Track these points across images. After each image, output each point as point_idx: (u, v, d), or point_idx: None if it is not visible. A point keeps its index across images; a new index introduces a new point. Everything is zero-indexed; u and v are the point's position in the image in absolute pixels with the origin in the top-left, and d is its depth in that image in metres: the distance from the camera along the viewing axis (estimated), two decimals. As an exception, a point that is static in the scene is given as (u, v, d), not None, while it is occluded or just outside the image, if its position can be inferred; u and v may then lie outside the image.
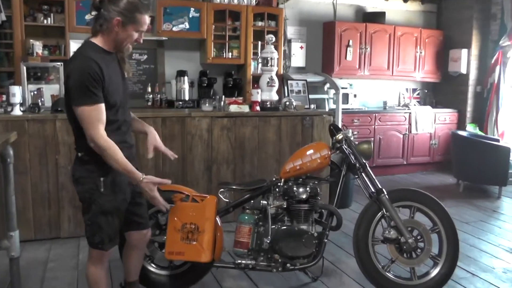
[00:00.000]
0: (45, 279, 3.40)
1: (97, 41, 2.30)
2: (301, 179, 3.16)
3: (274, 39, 5.02)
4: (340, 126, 6.05)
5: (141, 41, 2.38)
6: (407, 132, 7.15)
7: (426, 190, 5.73)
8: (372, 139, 6.84)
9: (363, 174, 3.18)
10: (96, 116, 2.19)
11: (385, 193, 3.10)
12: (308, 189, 3.09)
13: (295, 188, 3.09)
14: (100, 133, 2.20)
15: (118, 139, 2.36)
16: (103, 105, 2.21)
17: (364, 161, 3.18)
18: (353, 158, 3.19)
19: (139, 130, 2.73)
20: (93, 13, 2.30)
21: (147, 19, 2.31)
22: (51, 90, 4.84)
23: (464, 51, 7.34)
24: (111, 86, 2.27)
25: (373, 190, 3.15)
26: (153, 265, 3.15)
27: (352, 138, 3.24)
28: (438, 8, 7.90)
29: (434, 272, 3.14)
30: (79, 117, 2.19)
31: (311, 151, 3.19)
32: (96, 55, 2.22)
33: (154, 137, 2.69)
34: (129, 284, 2.86)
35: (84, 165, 2.33)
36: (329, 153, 3.17)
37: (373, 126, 6.89)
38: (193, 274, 3.14)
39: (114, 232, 2.43)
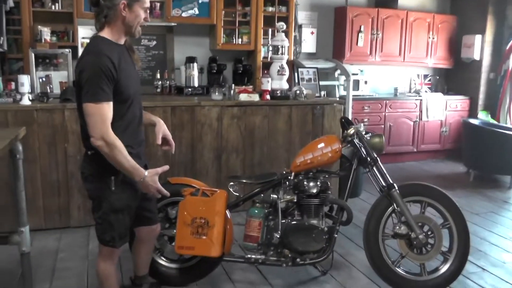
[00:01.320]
0: (56, 269, 3.42)
1: (105, 34, 2.28)
2: (311, 173, 3.14)
3: (284, 26, 4.94)
4: (350, 114, 6.05)
5: (149, 19, 2.36)
6: (417, 119, 7.07)
7: (436, 179, 5.70)
8: (383, 126, 6.78)
9: (374, 168, 3.14)
10: (107, 113, 2.18)
11: (396, 188, 3.07)
12: (318, 183, 3.07)
13: (305, 182, 3.07)
14: (110, 130, 2.17)
15: (130, 135, 2.34)
16: (112, 103, 2.19)
17: (376, 156, 3.14)
18: (365, 152, 3.15)
19: (147, 122, 2.70)
20: (93, 9, 2.28)
21: None
22: (60, 76, 4.83)
23: (478, 37, 7.20)
24: (125, 80, 2.25)
25: (384, 184, 3.12)
26: (162, 258, 3.16)
27: (363, 133, 3.18)
28: (452, -8, 7.75)
29: (444, 268, 3.13)
30: (88, 113, 2.16)
31: (322, 145, 3.16)
32: (108, 49, 2.21)
33: (163, 126, 2.70)
34: (139, 278, 2.88)
35: (94, 163, 2.30)
36: (340, 146, 3.14)
37: (384, 113, 6.81)
38: (203, 267, 3.15)
39: (124, 230, 2.43)
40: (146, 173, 2.28)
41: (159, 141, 2.65)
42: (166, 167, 2.41)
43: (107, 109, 2.17)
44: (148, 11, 2.34)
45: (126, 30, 2.30)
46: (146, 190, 2.33)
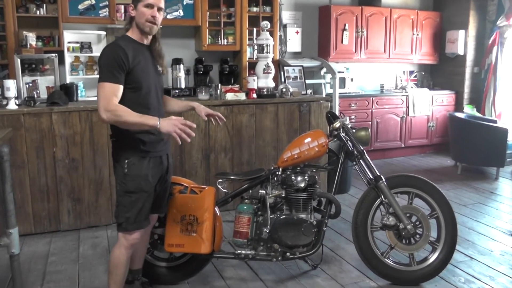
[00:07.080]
0: (47, 273, 3.41)
1: (129, 33, 2.58)
2: (299, 168, 3.17)
3: (269, 25, 4.98)
4: (337, 112, 6.09)
5: (157, 15, 2.50)
6: (404, 115, 7.14)
7: (424, 172, 5.74)
8: (370, 122, 6.84)
9: (361, 161, 3.18)
10: (113, 92, 2.37)
11: (384, 179, 3.11)
12: (306, 177, 3.10)
13: (293, 177, 3.10)
14: (111, 102, 2.35)
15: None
16: (121, 87, 2.41)
17: (362, 148, 3.18)
18: (351, 145, 3.19)
19: (185, 108, 3.00)
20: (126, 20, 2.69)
21: None
22: (47, 81, 4.81)
23: (461, 32, 7.29)
24: (138, 71, 2.47)
25: (371, 176, 3.15)
26: (153, 257, 3.17)
27: (349, 126, 3.22)
28: (434, -11, 7.84)
29: (433, 257, 3.17)
30: (98, 92, 2.39)
31: (308, 139, 3.19)
32: (125, 43, 2.47)
33: (201, 106, 2.93)
34: (132, 272, 2.88)
35: (113, 148, 2.59)
36: (327, 141, 3.17)
37: (371, 110, 6.87)
38: (193, 265, 3.16)
39: (138, 213, 2.53)
40: (158, 119, 2.36)
41: (205, 118, 2.92)
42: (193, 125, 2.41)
43: (112, 88, 2.37)
44: (154, 8, 2.48)
45: (140, 29, 2.52)
46: (167, 131, 2.34)
